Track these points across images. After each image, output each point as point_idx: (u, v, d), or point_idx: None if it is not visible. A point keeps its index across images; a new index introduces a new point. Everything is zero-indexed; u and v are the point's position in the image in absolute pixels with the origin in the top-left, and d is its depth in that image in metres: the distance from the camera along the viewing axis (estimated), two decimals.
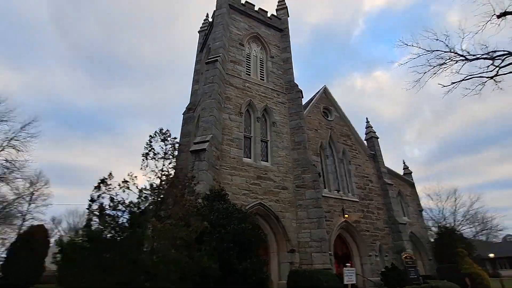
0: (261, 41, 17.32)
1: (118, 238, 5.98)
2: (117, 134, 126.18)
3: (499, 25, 8.80)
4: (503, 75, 10.16)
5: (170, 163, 7.14)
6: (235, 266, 7.12)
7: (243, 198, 11.51)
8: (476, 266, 16.30)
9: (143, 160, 6.77)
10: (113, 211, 6.35)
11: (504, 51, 10.01)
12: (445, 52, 11.02)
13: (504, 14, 8.28)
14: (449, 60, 11.03)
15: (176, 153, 7.55)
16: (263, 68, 16.61)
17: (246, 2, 17.76)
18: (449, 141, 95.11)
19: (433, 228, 30.04)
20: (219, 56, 13.51)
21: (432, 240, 21.13)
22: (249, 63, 16.03)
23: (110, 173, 6.46)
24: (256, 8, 18.10)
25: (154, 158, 6.91)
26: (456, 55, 10.92)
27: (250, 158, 13.05)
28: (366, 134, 21.35)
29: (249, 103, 14.21)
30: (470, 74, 10.90)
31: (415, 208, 20.99)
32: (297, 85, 16.25)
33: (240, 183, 11.81)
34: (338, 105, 20.05)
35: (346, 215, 15.60)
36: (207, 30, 19.13)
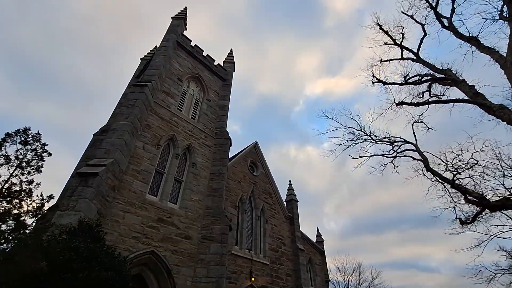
0: (202, 83, 17.35)
1: None
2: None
3: (397, 112, 10.49)
4: (400, 158, 11.85)
5: (23, 174, 5.36)
6: None
7: (132, 243, 9.47)
8: None
9: None
10: None
11: (401, 138, 11.86)
12: (357, 130, 12.64)
13: (401, 103, 9.92)
14: (360, 137, 12.60)
15: (41, 163, 5.83)
16: (197, 108, 16.24)
17: (196, 45, 18.19)
18: (359, 220, 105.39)
19: None
20: (151, 82, 12.69)
21: None
22: (183, 99, 15.52)
23: None
24: (204, 54, 18.61)
25: None
26: (365, 134, 12.54)
27: (155, 196, 11.38)
28: (287, 196, 21.70)
29: (172, 138, 13.15)
30: (375, 154, 12.53)
31: (323, 278, 20.83)
32: (228, 133, 16.10)
33: (133, 223, 9.86)
34: (265, 162, 20.35)
35: (253, 278, 14.27)
36: (150, 59, 18.52)
